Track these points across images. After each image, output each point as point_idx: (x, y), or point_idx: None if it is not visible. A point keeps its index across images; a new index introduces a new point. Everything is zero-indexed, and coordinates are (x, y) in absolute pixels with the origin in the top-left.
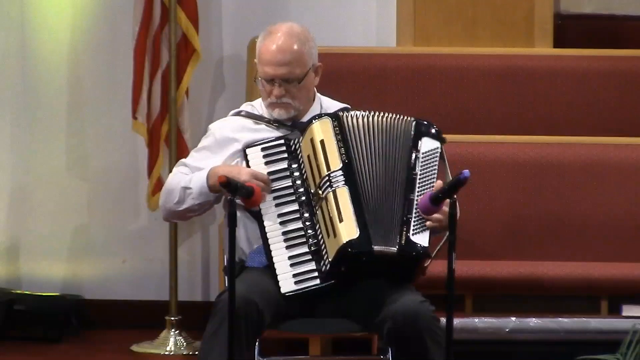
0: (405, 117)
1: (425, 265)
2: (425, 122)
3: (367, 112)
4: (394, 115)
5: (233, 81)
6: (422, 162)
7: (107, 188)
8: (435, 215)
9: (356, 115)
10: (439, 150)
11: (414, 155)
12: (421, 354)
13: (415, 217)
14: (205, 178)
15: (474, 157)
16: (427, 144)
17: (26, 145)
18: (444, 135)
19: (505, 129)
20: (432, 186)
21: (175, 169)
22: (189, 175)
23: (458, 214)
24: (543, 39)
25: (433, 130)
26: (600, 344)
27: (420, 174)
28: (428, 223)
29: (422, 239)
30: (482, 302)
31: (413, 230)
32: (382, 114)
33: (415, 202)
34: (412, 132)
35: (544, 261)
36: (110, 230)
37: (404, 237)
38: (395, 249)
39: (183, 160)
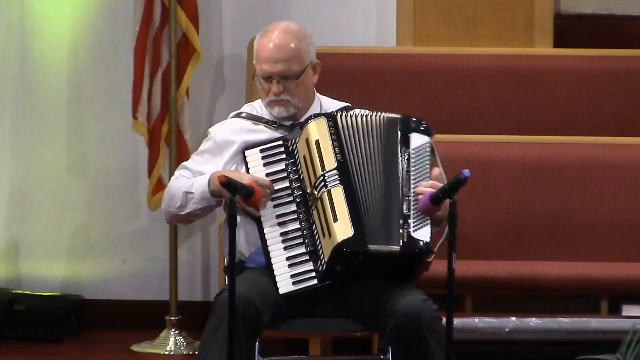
0: (391, 115)
1: (429, 260)
2: (413, 118)
3: (365, 112)
4: (382, 114)
5: (233, 81)
6: (413, 158)
7: (107, 188)
8: None
9: (352, 114)
10: (429, 144)
11: (405, 152)
12: (423, 353)
13: (414, 213)
14: (206, 183)
15: (474, 157)
16: (416, 140)
17: (26, 145)
18: (432, 131)
19: (505, 129)
20: (428, 179)
21: (176, 172)
22: (191, 180)
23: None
24: (543, 39)
25: (421, 127)
26: (600, 344)
27: (413, 170)
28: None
29: (423, 235)
30: (482, 302)
31: (414, 226)
32: (375, 113)
33: (412, 199)
34: (400, 130)
35: (544, 261)
36: (110, 230)
37: (405, 235)
38: (398, 247)
39: (184, 163)
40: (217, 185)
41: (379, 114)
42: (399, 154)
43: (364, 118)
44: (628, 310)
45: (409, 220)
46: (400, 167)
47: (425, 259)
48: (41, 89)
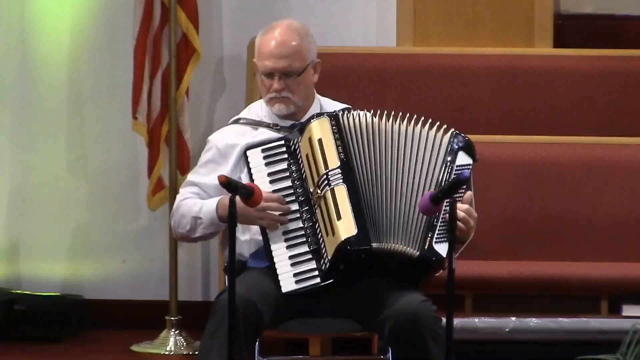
0: (443, 126)
1: (436, 274)
2: (463, 136)
3: (371, 113)
4: (427, 122)
5: (233, 81)
6: (455, 174)
7: (107, 188)
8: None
9: (356, 115)
10: (471, 167)
11: (449, 166)
12: (422, 354)
13: (440, 225)
14: (215, 209)
15: None
16: (462, 159)
17: (26, 145)
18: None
19: (505, 129)
20: (461, 198)
21: (182, 190)
22: (199, 203)
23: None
24: (543, 39)
25: (469, 147)
26: (600, 344)
27: None
28: None
29: (442, 249)
30: (482, 302)
31: (437, 238)
32: (413, 118)
33: (442, 211)
34: (452, 143)
35: (544, 261)
36: (110, 230)
37: (427, 242)
38: (417, 252)
39: (190, 179)
40: (225, 210)
41: (419, 120)
42: (443, 166)
43: (372, 119)
44: (628, 310)
45: (435, 231)
46: (436, 178)
47: (435, 271)
48: (41, 89)
